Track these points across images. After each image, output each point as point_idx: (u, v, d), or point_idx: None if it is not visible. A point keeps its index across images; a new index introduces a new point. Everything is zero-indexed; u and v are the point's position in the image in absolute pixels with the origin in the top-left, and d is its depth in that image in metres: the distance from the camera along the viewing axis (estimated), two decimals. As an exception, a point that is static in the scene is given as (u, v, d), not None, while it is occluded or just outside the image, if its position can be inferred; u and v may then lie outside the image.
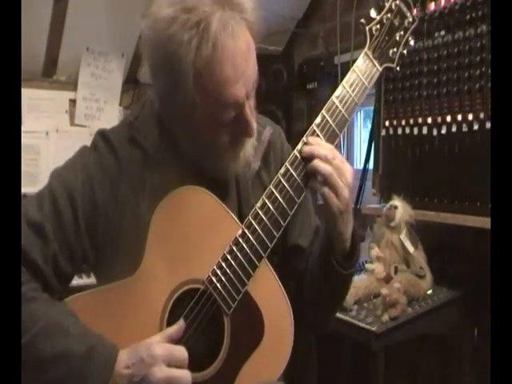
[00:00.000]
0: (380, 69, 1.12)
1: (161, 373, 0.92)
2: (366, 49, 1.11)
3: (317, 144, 1.03)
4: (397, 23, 1.13)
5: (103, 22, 2.64)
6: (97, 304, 1.00)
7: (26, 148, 2.62)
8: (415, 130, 1.92)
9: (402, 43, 1.14)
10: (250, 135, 1.02)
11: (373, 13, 1.12)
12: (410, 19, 1.14)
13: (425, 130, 1.88)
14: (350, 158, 2.83)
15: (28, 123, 2.69)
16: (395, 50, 1.14)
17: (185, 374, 0.95)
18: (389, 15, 1.12)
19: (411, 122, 1.93)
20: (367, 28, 1.11)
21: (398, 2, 1.13)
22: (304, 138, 1.04)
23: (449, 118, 1.79)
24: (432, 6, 1.83)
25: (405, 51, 1.15)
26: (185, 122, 1.02)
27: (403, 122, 1.96)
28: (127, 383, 0.92)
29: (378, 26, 1.11)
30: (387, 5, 1.12)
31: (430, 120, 1.86)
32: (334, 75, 2.65)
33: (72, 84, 2.80)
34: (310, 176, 1.04)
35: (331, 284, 1.11)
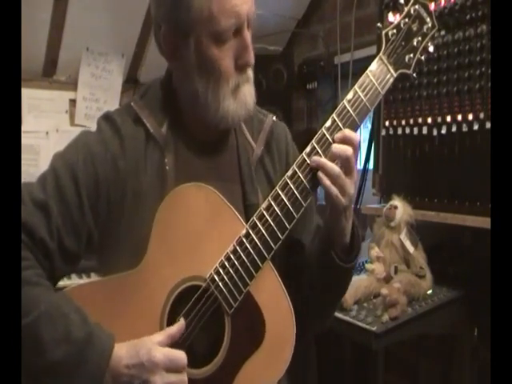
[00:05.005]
0: (395, 74, 1.08)
1: (160, 380, 0.93)
2: (381, 53, 1.08)
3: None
4: (415, 28, 1.10)
5: (103, 22, 2.64)
6: (97, 294, 1.00)
7: (25, 148, 2.63)
8: (415, 130, 1.92)
9: (420, 49, 1.11)
10: (249, 60, 1.04)
11: (390, 17, 1.09)
12: (430, 25, 1.12)
13: (425, 130, 1.88)
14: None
15: (28, 123, 2.69)
16: (412, 55, 1.10)
17: (182, 378, 0.96)
18: (407, 20, 1.10)
19: (411, 122, 1.93)
20: (383, 32, 1.08)
21: (417, 6, 1.10)
22: (313, 142, 1.04)
23: (449, 118, 1.79)
24: (432, 6, 1.83)
25: (423, 57, 1.12)
26: (188, 47, 1.03)
27: (403, 122, 1.96)
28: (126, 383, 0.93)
29: (395, 31, 1.08)
30: (406, 9, 1.10)
31: (430, 120, 1.86)
32: (334, 75, 2.65)
33: (72, 84, 2.81)
34: (317, 176, 1.03)
35: (331, 279, 1.11)
